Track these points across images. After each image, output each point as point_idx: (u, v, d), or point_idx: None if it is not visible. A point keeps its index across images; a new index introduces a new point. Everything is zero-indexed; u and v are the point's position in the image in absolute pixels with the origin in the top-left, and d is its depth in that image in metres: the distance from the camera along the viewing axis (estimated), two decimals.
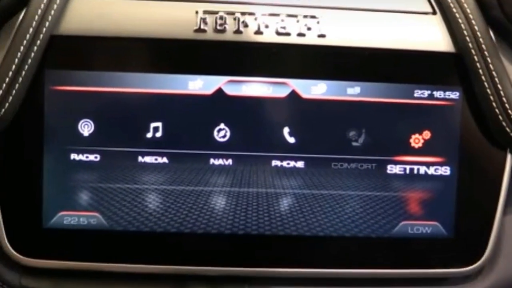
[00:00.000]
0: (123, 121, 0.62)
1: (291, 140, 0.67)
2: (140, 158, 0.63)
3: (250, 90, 0.64)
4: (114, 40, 0.62)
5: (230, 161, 0.64)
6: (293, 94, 0.66)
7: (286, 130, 0.67)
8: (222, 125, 0.63)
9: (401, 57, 0.64)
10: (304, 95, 0.67)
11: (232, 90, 0.63)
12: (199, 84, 0.63)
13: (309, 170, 0.67)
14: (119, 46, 0.62)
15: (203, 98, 0.63)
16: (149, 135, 0.63)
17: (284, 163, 0.66)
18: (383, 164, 0.66)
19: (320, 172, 0.67)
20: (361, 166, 0.66)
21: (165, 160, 0.63)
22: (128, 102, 0.62)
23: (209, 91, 0.63)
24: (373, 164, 0.66)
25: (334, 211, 0.67)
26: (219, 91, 0.63)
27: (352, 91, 0.65)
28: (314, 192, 0.67)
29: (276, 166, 0.66)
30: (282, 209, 0.66)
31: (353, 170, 0.66)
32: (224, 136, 0.64)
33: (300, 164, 0.67)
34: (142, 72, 0.62)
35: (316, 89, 0.67)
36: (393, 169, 0.66)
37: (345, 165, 0.67)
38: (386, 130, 0.65)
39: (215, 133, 0.64)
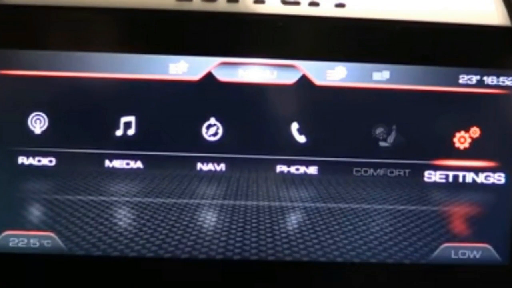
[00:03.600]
0: (85, 115, 0.56)
1: (301, 139, 0.57)
2: (107, 163, 0.56)
3: (248, 75, 0.56)
4: (73, 11, 0.55)
5: (222, 166, 0.57)
6: (304, 80, 0.57)
7: (294, 127, 0.57)
8: (212, 120, 0.57)
9: (443, 33, 0.57)
10: (318, 81, 0.57)
11: (224, 74, 0.56)
12: (183, 67, 0.56)
13: (325, 177, 0.58)
14: (80, 19, 0.55)
15: (188, 84, 0.56)
16: (119, 132, 0.56)
17: (292, 169, 0.58)
18: (419, 170, 0.58)
19: (339, 180, 0.58)
20: (391, 172, 0.58)
21: (139, 164, 0.57)
22: (91, 91, 0.56)
23: (196, 76, 0.56)
24: (407, 170, 0.58)
25: (357, 230, 0.58)
26: (209, 76, 0.56)
27: (379, 77, 0.57)
28: (330, 206, 0.58)
29: (282, 172, 0.57)
30: (290, 228, 0.57)
31: (380, 177, 0.58)
32: (215, 134, 0.57)
33: (312, 170, 0.58)
34: (109, 52, 0.55)
35: (333, 74, 0.57)
36: (432, 176, 0.58)
37: (370, 171, 0.58)
38: (422, 126, 0.58)
39: (204, 130, 0.57)
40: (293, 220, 0.58)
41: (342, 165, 0.58)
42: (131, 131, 0.56)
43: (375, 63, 0.57)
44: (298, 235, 0.57)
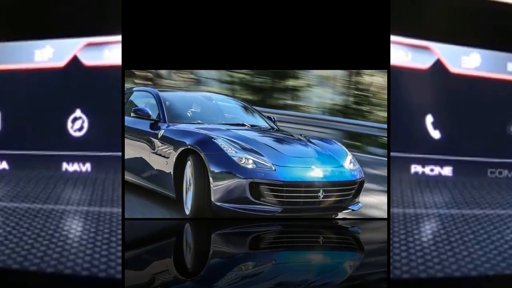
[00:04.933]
0: None
1: (436, 134, 0.50)
2: None
3: (114, 56, 0.50)
4: None
5: (88, 166, 0.56)
6: (439, 66, 0.49)
7: (429, 120, 0.48)
8: (77, 112, 0.50)
9: None
10: (453, 68, 0.49)
11: (90, 58, 0.50)
12: (48, 53, 0.51)
13: (459, 179, 0.49)
14: None
15: (53, 72, 0.51)
16: None
17: (427, 169, 0.47)
18: None
19: (473, 182, 0.49)
20: None
21: (4, 165, 0.60)
22: None
23: (61, 62, 0.53)
24: None
25: (491, 239, 0.52)
26: (74, 60, 0.50)
27: None
28: (464, 213, 0.48)
29: (416, 173, 0.48)
30: (424, 239, 0.50)
31: None
32: (80, 129, 0.50)
33: (447, 170, 0.49)
34: None
35: (468, 61, 0.49)
36: None
37: (505, 172, 0.53)
38: None
39: (69, 124, 0.56)
40: (428, 229, 0.50)
41: (476, 165, 0.51)
42: None
43: (510, 52, 0.52)
44: (433, 247, 0.49)
